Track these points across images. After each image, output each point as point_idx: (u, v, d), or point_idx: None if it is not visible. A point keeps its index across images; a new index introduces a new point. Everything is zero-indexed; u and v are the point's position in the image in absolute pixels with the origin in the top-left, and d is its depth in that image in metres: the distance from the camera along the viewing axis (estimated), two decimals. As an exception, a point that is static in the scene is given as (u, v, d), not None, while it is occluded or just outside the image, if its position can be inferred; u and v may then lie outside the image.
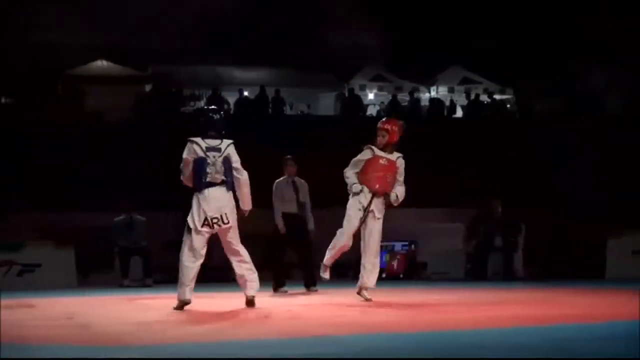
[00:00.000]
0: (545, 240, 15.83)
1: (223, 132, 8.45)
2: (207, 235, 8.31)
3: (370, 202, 9.23)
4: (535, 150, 19.97)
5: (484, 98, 26.01)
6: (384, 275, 15.63)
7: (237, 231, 8.43)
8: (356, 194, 9.22)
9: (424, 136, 20.48)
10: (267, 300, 8.53)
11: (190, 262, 8.28)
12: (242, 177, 8.46)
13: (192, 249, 8.27)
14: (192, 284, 8.33)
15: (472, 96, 25.68)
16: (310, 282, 11.72)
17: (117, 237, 14.76)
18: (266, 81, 25.67)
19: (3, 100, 23.56)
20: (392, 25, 28.52)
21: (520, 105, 26.69)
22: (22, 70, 23.23)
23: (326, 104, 27.52)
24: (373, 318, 7.42)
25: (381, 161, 9.28)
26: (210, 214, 8.20)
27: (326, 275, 9.53)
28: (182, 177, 8.49)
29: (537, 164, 19.32)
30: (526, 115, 25.16)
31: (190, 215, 8.31)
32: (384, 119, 9.59)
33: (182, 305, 8.25)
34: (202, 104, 25.11)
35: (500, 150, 19.90)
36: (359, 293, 9.39)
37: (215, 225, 8.22)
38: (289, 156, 12.09)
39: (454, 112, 26.68)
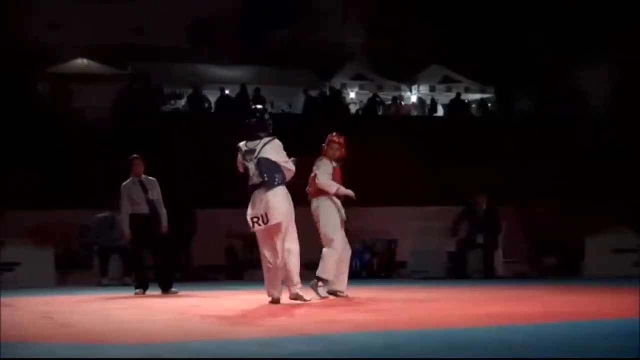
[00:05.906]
0: (525, 239, 15.91)
1: (262, 133, 8.47)
2: (261, 234, 8.49)
3: (346, 209, 9.54)
4: (516, 149, 20.04)
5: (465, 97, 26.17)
6: (364, 274, 15.69)
7: (282, 231, 8.41)
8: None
9: (406, 135, 20.58)
10: (257, 300, 8.51)
11: (264, 262, 8.52)
12: (291, 169, 8.52)
13: (260, 249, 8.54)
14: (272, 282, 8.45)
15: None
16: (167, 284, 11.21)
17: (97, 234, 14.67)
18: (247, 79, 25.61)
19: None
20: (374, 23, 28.48)
21: (501, 104, 26.83)
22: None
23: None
24: (360, 317, 7.41)
25: (339, 172, 9.57)
26: (250, 214, 8.40)
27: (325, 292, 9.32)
28: None
29: (518, 162, 19.39)
30: (507, 114, 25.30)
31: None
32: (334, 133, 9.63)
33: (273, 301, 8.43)
34: (182, 102, 25.05)
35: (481, 149, 19.96)
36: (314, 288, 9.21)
37: (255, 225, 8.39)
38: (135, 155, 11.48)
39: (435, 110, 26.81)
